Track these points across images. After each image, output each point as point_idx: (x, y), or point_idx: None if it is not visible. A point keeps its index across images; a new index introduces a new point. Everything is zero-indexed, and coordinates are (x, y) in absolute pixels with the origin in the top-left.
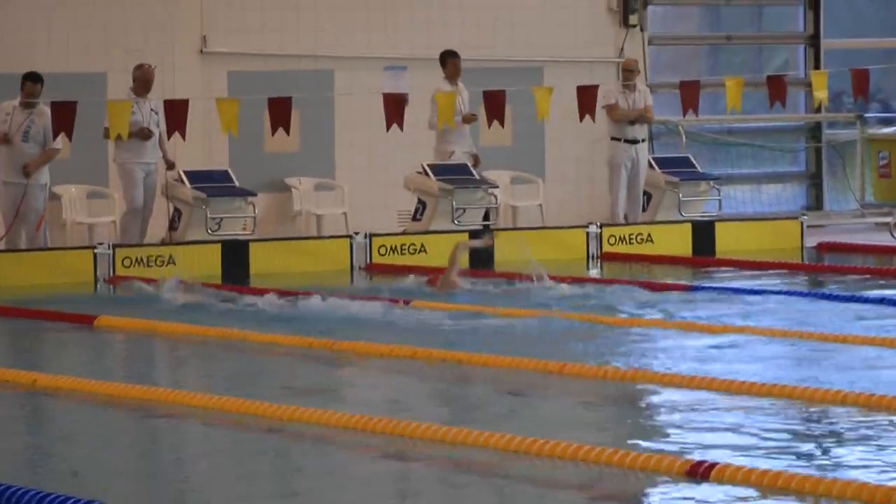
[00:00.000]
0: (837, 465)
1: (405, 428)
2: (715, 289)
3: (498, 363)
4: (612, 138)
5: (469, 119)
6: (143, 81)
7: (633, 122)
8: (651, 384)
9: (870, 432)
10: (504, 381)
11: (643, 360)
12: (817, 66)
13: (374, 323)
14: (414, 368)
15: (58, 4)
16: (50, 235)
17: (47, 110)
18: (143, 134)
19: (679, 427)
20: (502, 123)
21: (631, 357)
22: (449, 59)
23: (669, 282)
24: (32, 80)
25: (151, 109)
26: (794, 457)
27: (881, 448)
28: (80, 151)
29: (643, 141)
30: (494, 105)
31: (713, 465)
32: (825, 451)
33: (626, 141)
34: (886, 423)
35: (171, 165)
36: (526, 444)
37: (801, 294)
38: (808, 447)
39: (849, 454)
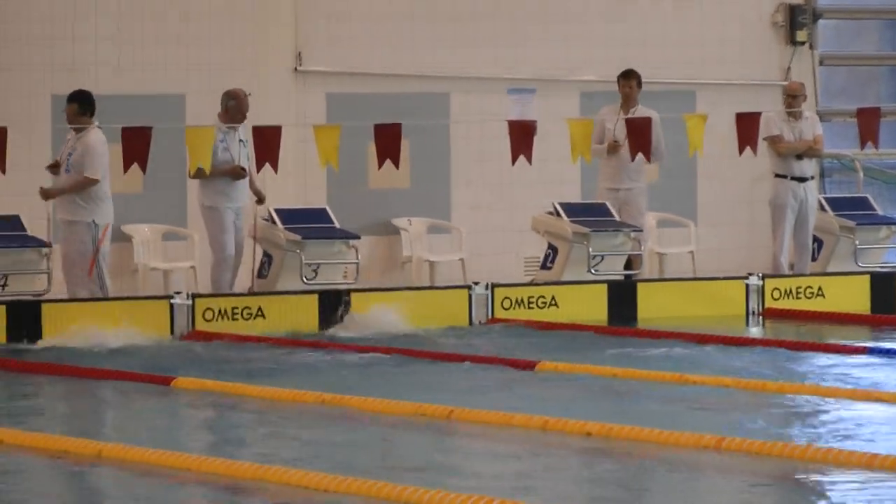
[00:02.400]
0: None
1: None
2: None
3: (642, 436)
4: (776, 175)
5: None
6: (237, 112)
7: (800, 157)
8: (821, 462)
9: None
10: (648, 457)
11: (813, 433)
12: None
13: (495, 388)
14: (545, 441)
15: (128, 15)
16: (119, 282)
17: (93, 135)
18: (236, 173)
19: None
20: (648, 157)
21: (798, 430)
22: (620, 80)
23: (843, 343)
24: (68, 99)
25: (240, 140)
26: None
27: None
28: (155, 186)
29: (812, 178)
30: (637, 135)
31: None
32: None
33: (793, 178)
34: None
35: (261, 199)
36: None
37: None
38: None
39: None
